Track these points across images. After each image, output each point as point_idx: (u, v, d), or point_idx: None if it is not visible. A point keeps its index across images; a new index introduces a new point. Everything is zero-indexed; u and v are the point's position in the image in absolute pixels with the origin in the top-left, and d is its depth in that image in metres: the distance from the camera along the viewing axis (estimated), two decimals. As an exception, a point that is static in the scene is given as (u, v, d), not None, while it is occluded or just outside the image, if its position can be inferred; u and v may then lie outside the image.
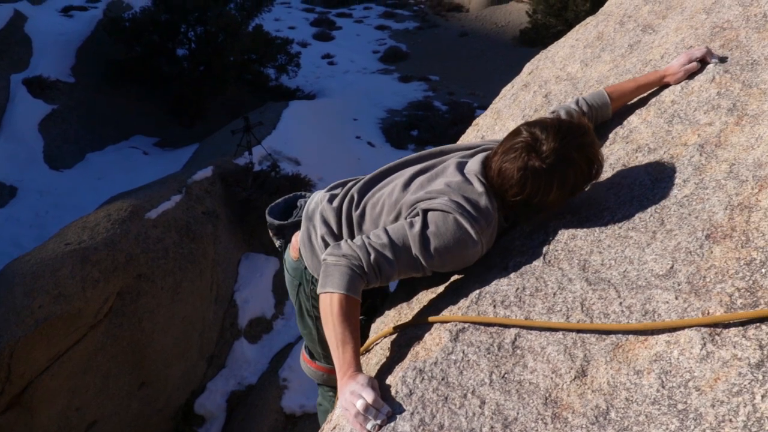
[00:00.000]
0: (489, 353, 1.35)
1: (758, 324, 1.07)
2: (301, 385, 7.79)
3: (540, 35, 15.04)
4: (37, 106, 11.36)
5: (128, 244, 7.13)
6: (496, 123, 2.73)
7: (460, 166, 1.67)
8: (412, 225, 1.53)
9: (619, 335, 1.23)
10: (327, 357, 1.96)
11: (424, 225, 1.52)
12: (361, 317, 1.82)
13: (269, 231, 2.09)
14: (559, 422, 1.14)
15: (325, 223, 1.76)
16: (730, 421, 0.97)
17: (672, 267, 1.29)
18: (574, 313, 1.33)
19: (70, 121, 11.94)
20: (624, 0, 3.02)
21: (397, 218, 1.65)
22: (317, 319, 1.86)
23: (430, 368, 1.37)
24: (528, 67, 3.12)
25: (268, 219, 2.06)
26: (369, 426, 1.28)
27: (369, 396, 1.30)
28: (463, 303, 1.52)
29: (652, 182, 1.58)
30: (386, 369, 1.48)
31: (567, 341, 1.29)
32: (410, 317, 1.66)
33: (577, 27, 3.18)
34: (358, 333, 1.45)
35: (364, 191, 1.78)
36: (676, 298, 1.22)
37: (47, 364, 6.29)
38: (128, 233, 7.20)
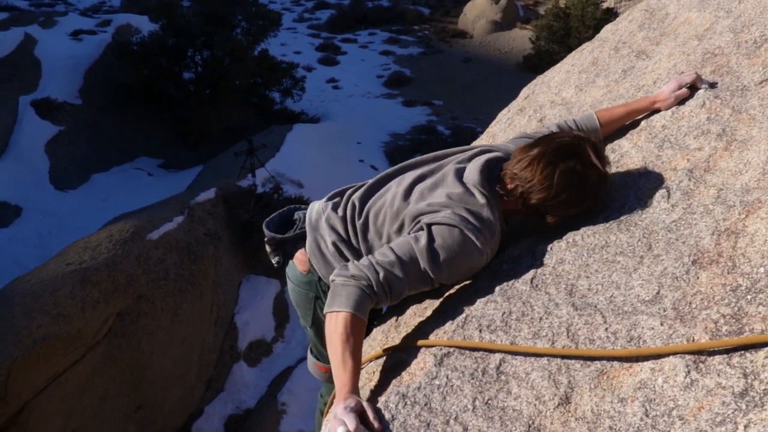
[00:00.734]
0: (473, 378, 1.32)
1: (742, 352, 1.05)
2: (300, 409, 7.71)
3: (543, 61, 15.15)
4: (44, 128, 11.50)
5: (129, 265, 7.13)
6: (491, 147, 2.73)
7: (459, 174, 1.67)
8: (417, 240, 1.53)
9: (604, 362, 1.21)
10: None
11: (431, 239, 1.53)
12: None
13: (267, 247, 2.03)
14: (541, 451, 1.12)
15: (333, 229, 1.77)
16: (713, 451, 0.95)
17: (658, 292, 1.28)
18: (560, 339, 1.31)
19: (77, 142, 12.07)
20: (620, 27, 3.05)
21: (400, 228, 1.66)
22: None
23: (413, 393, 1.35)
24: (524, 92, 3.14)
25: (268, 233, 2.00)
26: (350, 453, 1.25)
27: (351, 423, 1.27)
28: (450, 327, 1.51)
29: (641, 207, 1.57)
30: (371, 392, 1.46)
31: (552, 367, 1.26)
32: (398, 340, 1.65)
33: (574, 53, 3.20)
34: (360, 354, 1.43)
35: (365, 199, 1.78)
36: (662, 324, 1.20)
37: (44, 384, 6.25)
38: (129, 254, 7.21)
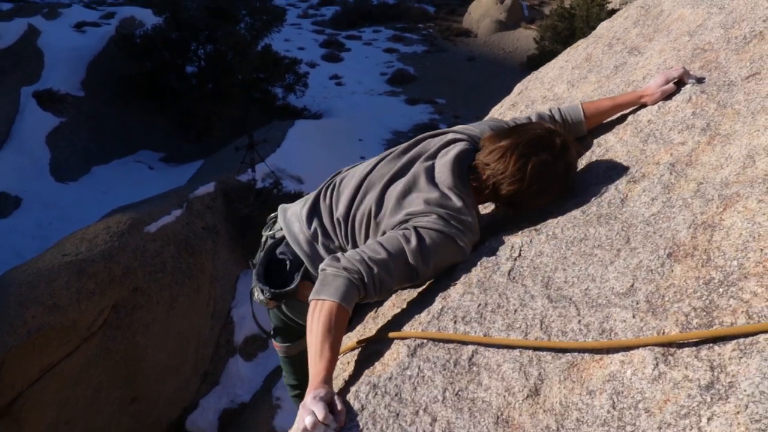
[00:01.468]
0: (445, 369, 1.31)
1: (711, 345, 1.03)
2: (295, 405, 7.71)
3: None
4: (45, 119, 11.49)
5: (126, 257, 7.13)
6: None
7: (430, 175, 1.67)
8: (408, 240, 1.54)
9: (575, 354, 1.20)
10: None
11: (419, 240, 1.54)
12: None
13: (265, 299, 1.82)
14: (507, 442, 1.11)
15: (331, 254, 1.72)
16: (676, 444, 0.93)
17: (632, 285, 1.26)
18: (533, 330, 1.30)
19: (78, 134, 12.06)
20: (615, 23, 3.03)
21: (384, 233, 1.65)
22: None
23: (385, 383, 1.34)
24: (518, 88, 3.12)
25: (272, 291, 1.78)
26: (316, 442, 1.24)
27: (319, 412, 1.26)
28: (425, 318, 1.49)
29: (621, 201, 1.55)
30: (344, 382, 1.45)
31: (523, 359, 1.25)
32: (374, 331, 1.63)
33: (569, 49, 3.18)
34: (339, 346, 1.42)
35: (346, 216, 1.75)
36: (634, 317, 1.18)
37: (38, 375, 6.25)
38: (126, 246, 7.20)
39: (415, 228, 1.56)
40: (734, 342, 1.01)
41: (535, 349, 1.25)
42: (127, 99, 12.84)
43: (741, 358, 0.97)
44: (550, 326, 1.29)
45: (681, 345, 1.07)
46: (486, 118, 1.91)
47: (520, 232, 1.64)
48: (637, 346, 1.11)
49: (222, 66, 13.04)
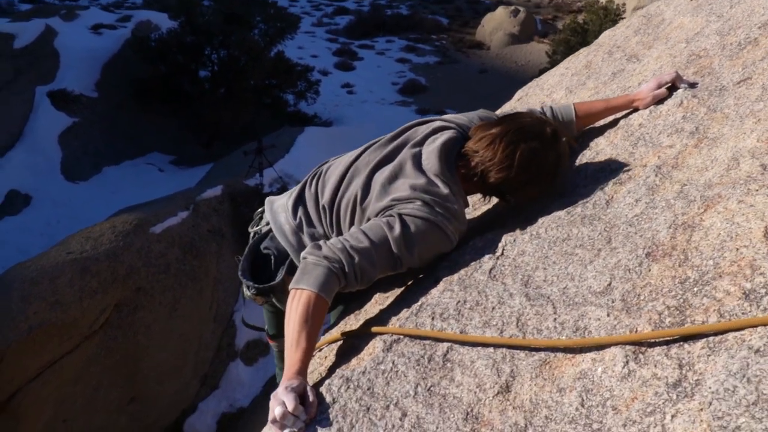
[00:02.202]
0: (419, 365, 1.30)
1: (681, 343, 1.01)
2: (293, 410, 7.67)
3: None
4: (59, 118, 11.63)
5: (130, 257, 7.16)
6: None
7: (417, 161, 1.64)
8: (391, 227, 1.51)
9: (549, 352, 1.18)
10: None
11: (403, 226, 1.51)
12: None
13: (251, 295, 1.80)
14: (474, 438, 1.09)
15: (315, 241, 1.70)
16: (639, 441, 0.91)
17: (610, 284, 1.24)
18: (509, 328, 1.28)
19: (90, 134, 12.20)
20: (617, 32, 3.02)
21: (368, 221, 1.62)
22: None
23: (358, 377, 1.33)
24: (518, 94, 3.12)
25: (257, 286, 1.75)
26: (285, 432, 1.23)
27: (290, 403, 1.25)
28: (404, 314, 1.48)
29: (606, 202, 1.53)
30: (320, 375, 1.44)
31: (497, 356, 1.23)
32: (357, 325, 1.62)
33: (570, 57, 3.17)
34: (315, 337, 1.40)
35: (332, 202, 1.73)
36: (608, 315, 1.17)
37: (38, 371, 6.27)
38: (131, 246, 7.23)
39: (399, 215, 1.53)
40: (704, 340, 0.99)
41: (509, 346, 1.23)
42: (140, 101, 12.98)
43: (709, 356, 0.95)
44: (526, 324, 1.27)
45: (652, 344, 1.05)
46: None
47: (504, 232, 1.63)
48: (608, 345, 1.10)
49: (235, 71, 13.16)
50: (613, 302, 1.19)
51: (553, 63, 16.91)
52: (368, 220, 1.62)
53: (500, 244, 1.58)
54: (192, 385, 8.03)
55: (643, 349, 1.05)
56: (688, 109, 1.69)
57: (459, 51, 20.21)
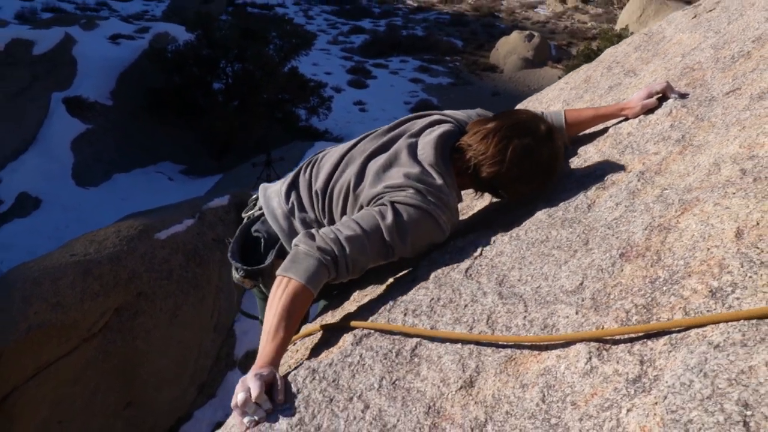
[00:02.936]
0: (386, 359, 1.28)
1: (645, 340, 0.99)
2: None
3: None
4: (72, 124, 11.78)
5: (133, 262, 7.17)
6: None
7: (413, 151, 1.63)
8: (384, 216, 1.50)
9: (515, 348, 1.16)
10: None
11: (396, 215, 1.50)
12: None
13: (237, 277, 1.81)
14: (435, 432, 1.07)
15: (308, 228, 1.69)
16: (594, 436, 0.89)
17: (581, 283, 1.22)
18: (479, 325, 1.27)
19: (103, 141, 12.33)
20: (618, 49, 3.03)
21: (360, 209, 1.61)
22: None
23: (324, 369, 1.31)
24: (518, 107, 3.12)
25: (245, 268, 1.75)
26: (245, 420, 1.22)
27: (254, 390, 1.24)
28: (378, 310, 1.47)
29: (588, 206, 1.52)
30: (288, 367, 1.42)
31: (464, 351, 1.21)
32: (337, 318, 1.61)
33: (571, 72, 3.18)
34: (294, 329, 1.38)
35: (325, 188, 1.71)
36: (576, 313, 1.15)
37: (35, 372, 6.27)
38: (135, 251, 7.25)
39: (391, 203, 1.52)
40: (666, 337, 0.97)
41: (475, 342, 1.21)
42: (153, 111, 13.13)
43: (670, 352, 0.93)
44: (496, 321, 1.25)
45: (617, 341, 1.03)
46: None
47: (485, 234, 1.62)
48: (572, 341, 1.08)
49: (248, 84, 13.29)
50: (582, 301, 1.17)
51: (566, 88, 16.93)
52: (361, 207, 1.61)
53: (480, 245, 1.57)
54: (189, 393, 7.98)
55: (608, 346, 1.03)
56: (677, 118, 1.68)
57: (472, 73, 20.31)
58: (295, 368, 1.36)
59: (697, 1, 3.02)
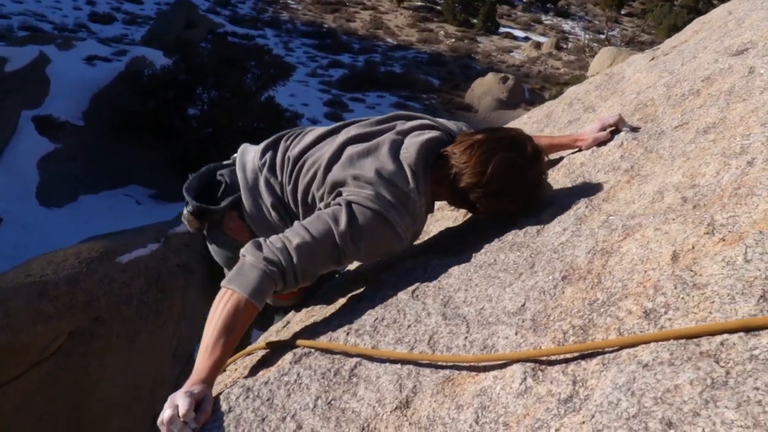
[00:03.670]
0: (323, 378, 1.24)
1: (579, 360, 0.98)
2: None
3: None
4: (40, 143, 11.58)
5: (91, 284, 6.96)
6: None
7: (395, 148, 1.56)
8: (336, 220, 1.43)
9: (453, 369, 1.13)
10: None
11: (350, 218, 1.44)
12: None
13: (187, 215, 1.78)
14: (364, 452, 1.03)
15: (271, 191, 1.66)
16: (522, 456, 0.86)
17: (523, 305, 1.21)
18: (420, 345, 1.24)
19: (71, 162, 12.11)
20: (581, 88, 3.10)
21: (323, 195, 1.56)
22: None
23: (259, 387, 1.26)
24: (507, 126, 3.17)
25: (193, 204, 1.73)
26: (170, 438, 1.16)
27: (182, 408, 1.18)
28: (321, 329, 1.43)
29: (537, 232, 1.52)
30: (225, 386, 1.37)
31: (403, 372, 1.18)
32: (282, 337, 1.56)
33: (534, 108, 3.24)
34: (233, 346, 1.32)
35: (299, 157, 1.67)
36: (516, 334, 1.13)
37: (-22, 396, 5.99)
38: (94, 273, 7.05)
39: (348, 203, 1.46)
40: (600, 357, 0.95)
41: (414, 363, 1.18)
42: (125, 134, 13.00)
43: (602, 372, 0.92)
44: (438, 342, 1.23)
45: (552, 362, 1.01)
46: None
47: (436, 256, 1.60)
48: (507, 361, 1.05)
49: (224, 111, 13.28)
50: (523, 322, 1.16)
51: (538, 130, 17.31)
52: (328, 186, 1.54)
53: (429, 267, 1.55)
54: (143, 423, 7.68)
55: (543, 366, 1.01)
56: (627, 150, 1.71)
57: (447, 111, 20.63)
58: (230, 386, 1.31)
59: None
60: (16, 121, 11.51)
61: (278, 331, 1.68)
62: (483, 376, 1.08)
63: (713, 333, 0.83)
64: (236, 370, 1.47)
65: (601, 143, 1.84)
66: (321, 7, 30.46)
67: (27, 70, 12.15)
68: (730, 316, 0.86)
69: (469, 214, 1.84)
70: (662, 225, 1.19)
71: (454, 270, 1.48)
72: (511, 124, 3.11)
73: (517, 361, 1.04)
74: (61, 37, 14.24)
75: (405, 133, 1.64)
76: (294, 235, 1.43)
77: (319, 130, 1.73)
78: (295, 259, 1.39)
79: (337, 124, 1.75)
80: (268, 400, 1.22)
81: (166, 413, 1.17)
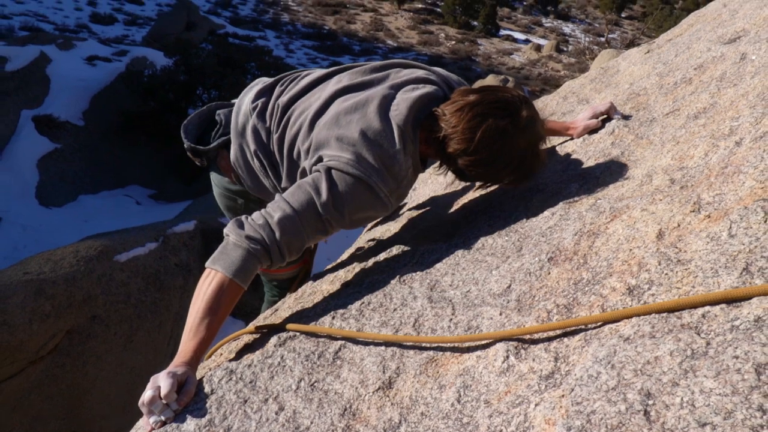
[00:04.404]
0: (307, 361, 1.23)
1: (561, 338, 0.96)
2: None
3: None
4: (40, 143, 11.59)
5: (89, 283, 6.95)
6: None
7: (386, 105, 1.47)
8: (318, 190, 1.38)
9: (437, 351, 1.12)
10: None
11: (331, 185, 1.39)
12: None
13: (187, 152, 1.81)
14: (347, 433, 1.01)
15: (257, 137, 1.62)
16: (501, 431, 0.85)
17: (509, 286, 1.20)
18: (405, 328, 1.23)
19: (71, 162, 12.12)
20: (576, 82, 3.09)
21: (307, 151, 1.50)
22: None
23: (242, 370, 1.25)
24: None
25: (186, 143, 1.76)
26: (151, 420, 1.14)
27: (164, 388, 1.17)
28: (307, 312, 1.42)
29: (526, 217, 1.51)
30: (209, 369, 1.36)
31: (386, 353, 1.17)
32: (269, 321, 1.55)
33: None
34: (217, 327, 1.30)
35: (288, 105, 1.62)
36: (500, 315, 1.11)
37: (-26, 394, 5.97)
38: (92, 272, 7.04)
39: (328, 169, 1.40)
40: (582, 333, 0.94)
41: (398, 345, 1.17)
42: (125, 134, 13.01)
43: (584, 347, 0.90)
44: (423, 324, 1.22)
45: (536, 340, 1.00)
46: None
47: (423, 242, 1.59)
48: (490, 340, 1.04)
49: (223, 112, 13.27)
50: (508, 302, 1.14)
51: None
52: (310, 144, 1.49)
53: (417, 253, 1.54)
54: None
55: (526, 345, 1.00)
56: (618, 137, 1.70)
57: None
58: (213, 369, 1.30)
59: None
60: (16, 120, 11.52)
61: (266, 317, 1.66)
62: (466, 357, 1.07)
63: (695, 305, 0.82)
64: (221, 354, 1.45)
65: (592, 131, 1.83)
66: (322, 9, 30.51)
67: (27, 69, 12.16)
68: (712, 289, 0.85)
69: (459, 182, 1.75)
70: (649, 205, 1.18)
71: (442, 255, 1.47)
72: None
73: (500, 340, 1.03)
74: (62, 37, 14.24)
75: (397, 87, 1.54)
76: (275, 209, 1.38)
77: (312, 76, 1.67)
78: (277, 234, 1.35)
79: (332, 69, 1.68)
80: (251, 382, 1.21)
81: (147, 394, 1.15)
